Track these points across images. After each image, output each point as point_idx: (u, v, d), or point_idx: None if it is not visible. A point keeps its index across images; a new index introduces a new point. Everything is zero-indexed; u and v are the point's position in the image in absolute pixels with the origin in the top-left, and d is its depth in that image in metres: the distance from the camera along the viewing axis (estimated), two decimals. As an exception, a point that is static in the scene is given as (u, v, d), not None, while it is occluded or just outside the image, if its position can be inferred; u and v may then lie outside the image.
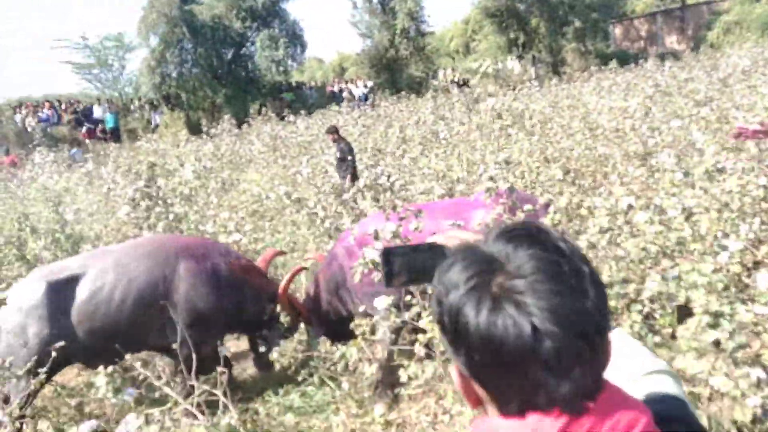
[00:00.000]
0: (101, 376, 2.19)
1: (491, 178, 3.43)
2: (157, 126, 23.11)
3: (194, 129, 20.13)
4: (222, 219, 7.65)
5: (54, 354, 3.40)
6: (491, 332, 0.71)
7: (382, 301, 3.53)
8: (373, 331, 3.80)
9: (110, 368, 2.23)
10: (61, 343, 3.50)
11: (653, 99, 9.63)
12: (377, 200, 3.63)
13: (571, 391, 0.71)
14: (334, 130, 9.87)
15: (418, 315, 3.76)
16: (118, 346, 3.36)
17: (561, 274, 0.73)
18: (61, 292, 3.97)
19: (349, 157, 9.22)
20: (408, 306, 3.81)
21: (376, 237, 3.57)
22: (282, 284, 4.42)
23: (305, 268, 4.80)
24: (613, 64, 16.23)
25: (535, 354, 0.70)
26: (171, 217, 6.52)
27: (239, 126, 17.68)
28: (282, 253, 4.89)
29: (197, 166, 9.76)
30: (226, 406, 3.28)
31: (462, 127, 10.27)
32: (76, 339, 3.92)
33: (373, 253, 3.56)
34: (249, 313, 4.37)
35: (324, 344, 4.09)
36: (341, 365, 3.97)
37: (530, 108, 10.48)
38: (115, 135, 22.03)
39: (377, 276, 3.55)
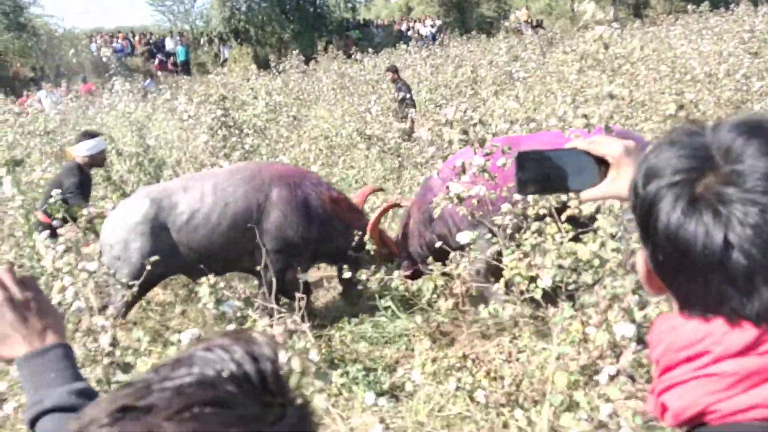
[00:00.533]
0: (205, 286, 2.24)
1: (585, 115, 3.27)
2: (225, 60, 23.30)
3: (262, 64, 20.17)
4: (295, 153, 7.73)
5: (150, 268, 3.63)
6: (679, 235, 0.67)
7: (465, 236, 3.50)
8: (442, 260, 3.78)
9: (213, 279, 2.29)
10: (156, 258, 3.67)
11: (747, 46, 9.02)
12: (465, 133, 3.54)
13: (759, 310, 0.66)
14: (394, 69, 9.92)
15: (499, 254, 3.73)
16: (212, 265, 3.57)
17: None
18: (163, 210, 4.19)
19: (408, 96, 9.09)
20: (491, 244, 3.78)
21: (463, 171, 3.50)
22: (372, 219, 4.44)
23: (398, 205, 4.76)
24: (704, 6, 15.18)
25: (722, 267, 0.65)
26: (246, 147, 6.62)
27: (306, 62, 17.60)
28: (380, 189, 4.89)
29: (269, 99, 9.79)
30: (302, 331, 3.38)
31: (539, 68, 9.91)
32: (175, 256, 4.14)
33: (458, 187, 3.51)
34: (336, 244, 4.42)
35: (401, 278, 4.12)
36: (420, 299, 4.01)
37: (612, 50, 9.99)
38: (185, 68, 22.38)
39: (464, 209, 3.51)
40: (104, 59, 21.90)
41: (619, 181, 1.03)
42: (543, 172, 1.08)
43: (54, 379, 0.98)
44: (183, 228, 4.15)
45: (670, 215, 0.68)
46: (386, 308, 4.30)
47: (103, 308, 4.08)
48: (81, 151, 4.85)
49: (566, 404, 2.90)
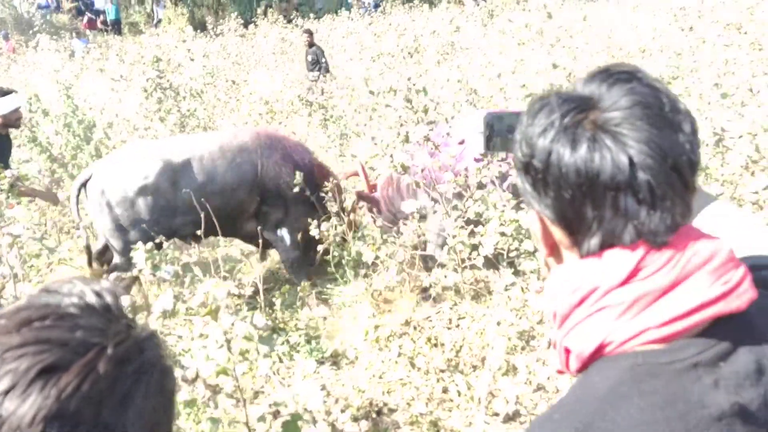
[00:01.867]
0: (140, 251, 2.15)
1: (524, 86, 3.30)
2: (159, 21, 22.30)
3: (198, 26, 19.44)
4: (233, 118, 7.52)
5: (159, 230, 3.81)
6: (588, 167, 0.72)
7: (410, 205, 3.49)
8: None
9: (149, 244, 2.20)
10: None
11: (678, 21, 9.29)
12: (410, 101, 3.51)
13: (660, 222, 0.71)
14: (309, 33, 10.39)
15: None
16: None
17: (656, 107, 0.72)
18: (175, 169, 4.16)
19: (323, 60, 9.72)
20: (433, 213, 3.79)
21: (407, 140, 3.48)
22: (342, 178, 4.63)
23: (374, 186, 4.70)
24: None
25: (630, 186, 0.70)
26: (183, 111, 6.39)
27: (245, 26, 17.08)
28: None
29: (206, 62, 9.47)
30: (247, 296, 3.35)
31: (481, 39, 9.95)
32: (184, 214, 4.15)
33: (402, 156, 3.49)
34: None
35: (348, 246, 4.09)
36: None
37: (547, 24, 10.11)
38: (116, 27, 21.31)
39: (407, 179, 3.50)
40: (27, 15, 20.62)
41: None
42: (508, 131, 1.14)
43: None
44: (193, 187, 4.12)
45: (575, 152, 0.72)
46: (331, 274, 4.29)
47: (111, 270, 4.22)
48: None
49: (504, 369, 2.97)
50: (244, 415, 1.78)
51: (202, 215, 3.82)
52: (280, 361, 3.70)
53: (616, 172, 0.70)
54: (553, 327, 0.81)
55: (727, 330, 0.72)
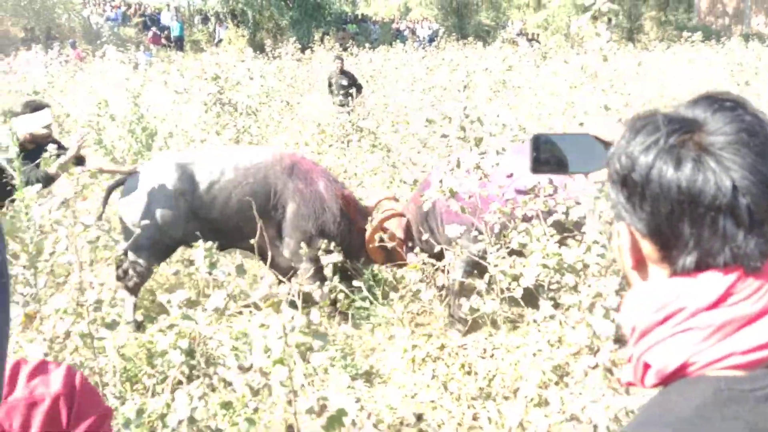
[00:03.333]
0: (200, 249, 2.28)
1: (581, 124, 3.36)
2: (220, 40, 23.13)
3: (257, 48, 20.09)
4: (285, 137, 7.74)
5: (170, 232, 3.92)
6: (691, 186, 0.74)
7: (454, 230, 3.57)
8: (440, 259, 3.85)
9: (209, 243, 2.32)
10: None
11: (736, 79, 9.23)
12: (463, 129, 3.61)
13: (756, 247, 0.73)
14: (341, 60, 10.95)
15: (484, 252, 3.81)
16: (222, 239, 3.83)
17: (761, 135, 0.75)
18: (184, 177, 4.27)
19: (353, 89, 10.05)
20: (477, 241, 3.86)
21: (458, 165, 3.57)
22: (375, 222, 4.44)
23: (394, 216, 4.71)
24: (697, 36, 15.47)
25: (731, 208, 0.73)
26: (239, 126, 6.62)
27: (302, 51, 17.58)
28: (394, 198, 4.88)
29: (263, 82, 9.79)
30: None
31: (533, 79, 10.03)
32: (193, 223, 4.22)
33: (452, 181, 3.58)
34: (347, 242, 4.48)
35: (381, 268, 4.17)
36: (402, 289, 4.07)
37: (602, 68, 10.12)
38: (178, 44, 22.17)
39: (454, 204, 3.58)
40: (96, 26, 21.60)
41: None
42: (556, 153, 1.16)
43: None
44: (203, 197, 4.26)
45: (679, 170, 0.75)
46: (367, 295, 4.36)
47: (124, 273, 4.26)
48: (21, 128, 4.19)
49: (537, 401, 2.98)
50: (293, 406, 1.87)
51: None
52: (315, 373, 3.77)
53: (718, 194, 0.73)
54: (630, 340, 0.83)
55: None
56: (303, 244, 4.08)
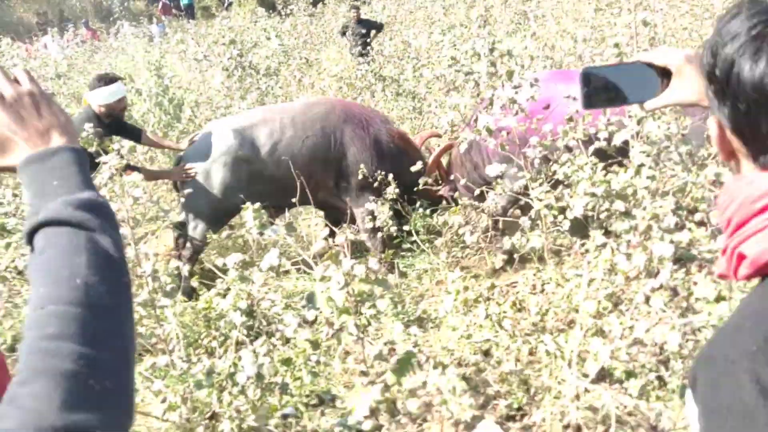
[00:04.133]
0: (249, 211, 2.29)
1: (616, 44, 3.24)
2: (230, 3, 22.83)
3: (268, 7, 19.78)
4: (309, 94, 7.68)
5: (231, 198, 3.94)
6: (765, 81, 0.72)
7: (494, 169, 3.52)
8: (483, 200, 3.82)
9: (257, 204, 2.33)
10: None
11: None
12: (494, 65, 3.52)
13: None
14: (356, 9, 10.63)
15: (526, 188, 3.76)
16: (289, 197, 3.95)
17: None
18: (246, 141, 4.28)
19: (373, 32, 9.98)
20: (517, 179, 3.81)
21: (491, 103, 3.50)
22: (433, 157, 4.58)
23: (452, 146, 4.74)
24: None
25: None
26: (263, 88, 6.59)
27: (314, 5, 17.27)
28: (438, 135, 4.91)
29: (280, 41, 9.68)
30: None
31: (555, 7, 9.72)
32: (254, 186, 4.24)
33: (487, 119, 3.52)
34: (405, 180, 4.48)
35: (424, 215, 4.16)
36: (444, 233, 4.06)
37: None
38: (189, 12, 21.96)
39: (492, 142, 3.52)
40: (106, 3, 21.52)
41: (681, 89, 1.07)
42: (607, 85, 1.12)
43: (56, 187, 0.82)
44: (265, 159, 4.27)
45: (756, 66, 0.73)
46: (412, 243, 4.37)
47: (178, 242, 4.33)
48: (97, 99, 4.25)
49: (594, 330, 2.98)
50: (363, 352, 1.90)
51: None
52: (369, 324, 3.82)
53: None
54: (725, 232, 0.83)
55: None
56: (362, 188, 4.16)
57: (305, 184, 4.21)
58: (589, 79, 1.13)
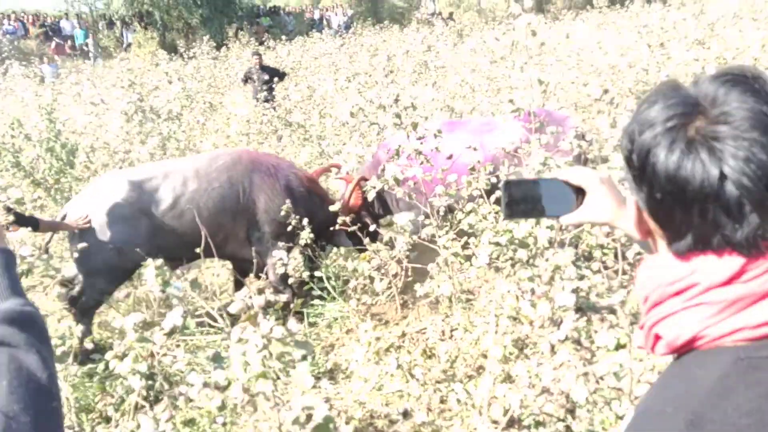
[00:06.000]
0: (150, 268, 2.18)
1: (511, 101, 3.42)
2: (129, 45, 22.23)
3: (169, 49, 19.43)
4: (213, 138, 7.54)
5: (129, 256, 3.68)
6: (678, 174, 0.74)
7: (403, 218, 3.57)
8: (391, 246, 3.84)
9: (159, 261, 2.22)
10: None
11: (644, 38, 9.59)
12: (399, 117, 3.60)
13: (749, 235, 0.73)
14: (258, 55, 10.65)
15: (433, 236, 3.83)
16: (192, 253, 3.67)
17: (765, 123, 0.73)
18: (145, 194, 4.05)
19: (276, 79, 10.18)
20: (424, 226, 3.87)
21: (397, 154, 3.57)
22: (350, 193, 4.51)
23: (365, 179, 4.72)
24: (602, 2, 15.99)
25: (717, 198, 0.72)
26: (164, 132, 6.39)
27: (218, 48, 17.14)
28: (337, 166, 4.88)
29: (182, 85, 9.49)
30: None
31: (454, 56, 10.14)
32: (154, 242, 4.02)
33: (394, 169, 3.57)
34: (318, 220, 4.43)
35: (335, 261, 4.12)
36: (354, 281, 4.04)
37: (519, 42, 10.40)
38: (84, 52, 21.17)
39: (400, 191, 3.57)
40: (-6, 41, 20.37)
41: (594, 208, 1.13)
42: (527, 197, 1.16)
43: None
44: (167, 213, 4.05)
45: (669, 157, 0.75)
46: (321, 290, 4.31)
47: (72, 299, 4.01)
48: None
49: (502, 377, 3.03)
50: (278, 419, 1.82)
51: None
52: (278, 377, 3.71)
53: (704, 183, 0.72)
54: (642, 309, 0.85)
55: None
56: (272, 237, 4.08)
57: (212, 238, 4.05)
58: (510, 189, 1.16)
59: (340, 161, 5.09)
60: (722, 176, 0.72)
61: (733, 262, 0.75)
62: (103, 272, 3.97)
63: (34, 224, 3.89)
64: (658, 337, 0.82)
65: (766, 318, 0.75)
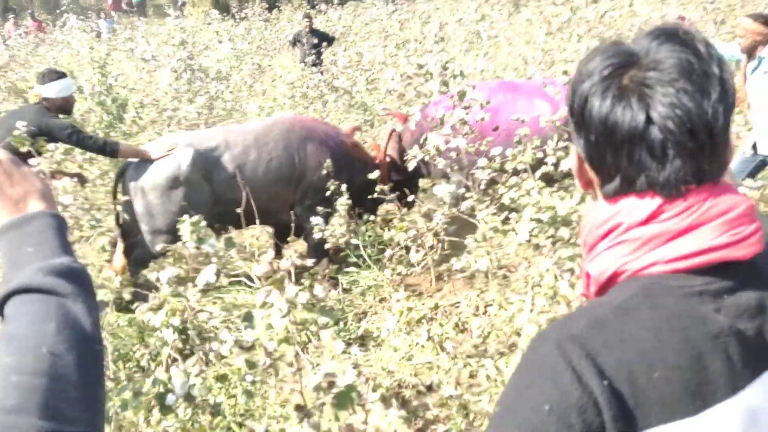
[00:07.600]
0: (186, 224, 2.18)
1: (565, 72, 3.29)
2: (184, 3, 22.41)
3: (222, 9, 19.51)
4: (260, 100, 7.56)
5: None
6: (609, 118, 0.81)
7: (442, 189, 3.51)
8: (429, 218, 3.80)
9: (195, 217, 2.23)
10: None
11: (708, 15, 9.18)
12: (446, 84, 3.52)
13: (670, 176, 0.80)
14: (309, 18, 10.40)
15: (472, 209, 3.76)
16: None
17: (692, 72, 0.79)
18: (209, 162, 4.15)
19: (324, 43, 9.99)
20: (464, 198, 3.80)
21: (442, 123, 3.49)
22: (382, 148, 4.62)
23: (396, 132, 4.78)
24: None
25: (643, 140, 0.79)
26: (212, 92, 6.43)
27: (269, 11, 17.13)
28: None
29: (233, 45, 9.51)
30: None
31: (507, 28, 9.87)
32: (216, 209, 4.12)
33: (437, 138, 3.50)
34: (358, 188, 4.49)
35: (373, 228, 4.10)
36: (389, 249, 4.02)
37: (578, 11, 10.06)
38: (140, 9, 21.45)
39: (442, 162, 3.51)
40: (53, -5, 20.79)
41: None
42: None
43: (31, 254, 0.80)
44: (229, 182, 4.13)
45: (603, 103, 0.81)
46: (357, 257, 4.31)
47: (130, 246, 4.16)
48: (51, 92, 4.13)
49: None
50: (300, 384, 1.82)
51: (242, 207, 3.85)
52: (309, 341, 3.73)
53: (631, 125, 0.79)
54: (584, 257, 0.91)
55: (733, 273, 0.81)
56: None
57: (268, 206, 4.14)
58: None
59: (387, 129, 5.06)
60: (649, 120, 0.78)
61: (652, 202, 0.81)
62: (164, 233, 4.08)
63: (113, 150, 4.03)
64: (589, 276, 0.87)
65: (678, 254, 0.81)
